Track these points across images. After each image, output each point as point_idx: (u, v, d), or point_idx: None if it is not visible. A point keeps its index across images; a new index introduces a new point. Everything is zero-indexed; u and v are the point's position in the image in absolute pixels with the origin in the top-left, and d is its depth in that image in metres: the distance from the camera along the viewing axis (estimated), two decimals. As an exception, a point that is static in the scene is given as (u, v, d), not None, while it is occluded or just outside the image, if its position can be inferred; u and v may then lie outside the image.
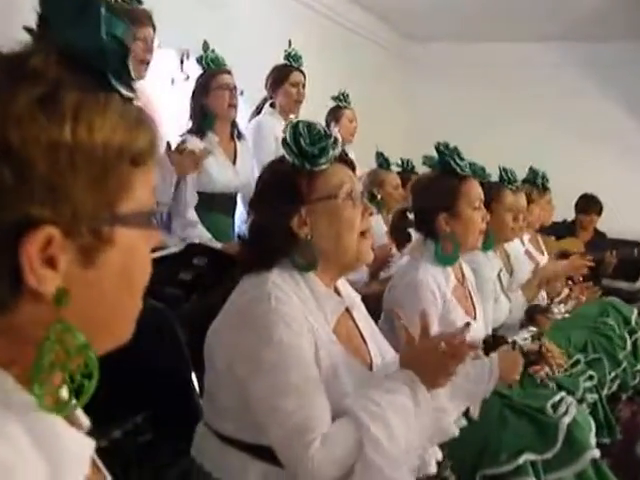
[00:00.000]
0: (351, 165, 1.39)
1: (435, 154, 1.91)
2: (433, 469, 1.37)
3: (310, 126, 1.30)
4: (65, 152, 0.51)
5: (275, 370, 1.17)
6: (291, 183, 1.29)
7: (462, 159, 1.86)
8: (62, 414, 0.56)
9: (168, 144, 2.43)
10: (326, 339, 1.26)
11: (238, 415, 1.25)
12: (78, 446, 0.59)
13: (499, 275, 2.33)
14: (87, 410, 0.63)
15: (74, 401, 0.56)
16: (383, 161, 3.26)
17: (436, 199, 1.88)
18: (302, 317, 1.22)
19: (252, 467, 1.24)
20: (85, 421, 0.67)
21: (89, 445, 0.61)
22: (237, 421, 1.25)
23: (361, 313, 1.46)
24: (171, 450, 1.65)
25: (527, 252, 3.00)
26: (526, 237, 3.07)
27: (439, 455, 1.43)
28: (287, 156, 1.30)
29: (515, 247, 2.78)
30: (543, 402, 1.86)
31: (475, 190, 1.90)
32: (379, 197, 3.08)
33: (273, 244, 1.29)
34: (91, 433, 0.63)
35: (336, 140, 1.31)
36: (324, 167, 1.29)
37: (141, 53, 2.20)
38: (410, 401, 1.22)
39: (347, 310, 1.40)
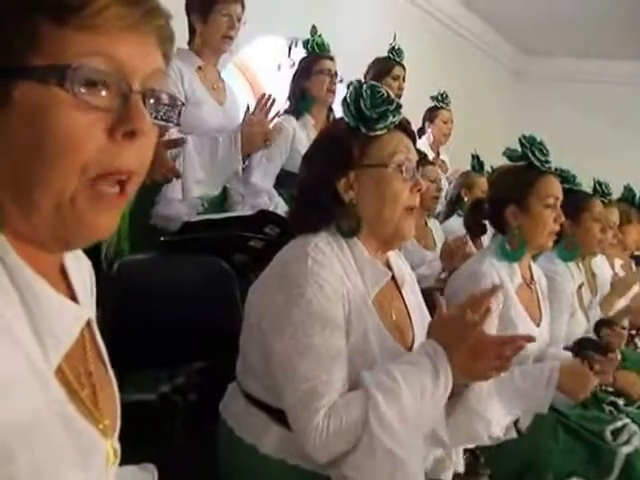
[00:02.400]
0: (411, 135, 1.32)
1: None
2: (448, 478, 1.30)
3: (374, 88, 1.26)
4: None
5: (299, 330, 1.14)
6: (343, 145, 1.25)
7: (545, 154, 1.76)
8: None
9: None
10: (363, 309, 1.22)
11: (262, 375, 1.23)
12: (59, 306, 0.59)
13: (579, 289, 2.19)
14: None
15: None
16: (477, 164, 3.18)
17: (507, 190, 1.80)
18: (339, 283, 1.18)
19: (272, 430, 1.21)
20: (83, 300, 0.68)
21: (75, 314, 0.62)
22: (261, 381, 1.24)
23: (413, 293, 1.40)
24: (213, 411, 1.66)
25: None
26: (618, 262, 2.87)
27: (460, 467, 1.35)
28: (345, 117, 1.27)
29: (603, 268, 2.61)
30: (603, 426, 1.73)
31: (550, 187, 1.78)
32: (466, 199, 3.00)
33: (318, 205, 1.25)
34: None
35: (398, 107, 1.26)
36: (380, 133, 1.25)
37: (225, 29, 2.26)
38: (429, 377, 1.13)
39: (397, 286, 1.35)
